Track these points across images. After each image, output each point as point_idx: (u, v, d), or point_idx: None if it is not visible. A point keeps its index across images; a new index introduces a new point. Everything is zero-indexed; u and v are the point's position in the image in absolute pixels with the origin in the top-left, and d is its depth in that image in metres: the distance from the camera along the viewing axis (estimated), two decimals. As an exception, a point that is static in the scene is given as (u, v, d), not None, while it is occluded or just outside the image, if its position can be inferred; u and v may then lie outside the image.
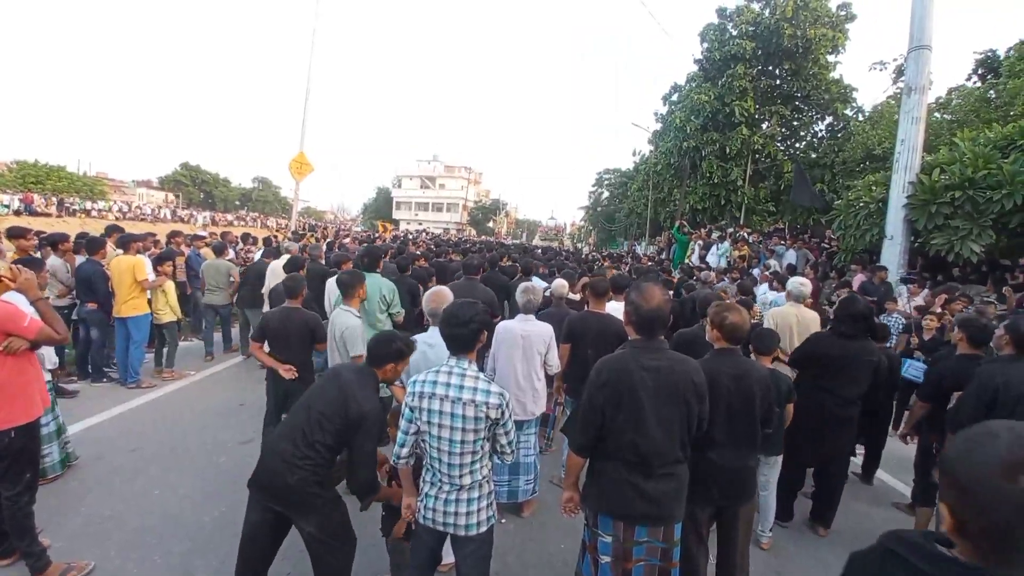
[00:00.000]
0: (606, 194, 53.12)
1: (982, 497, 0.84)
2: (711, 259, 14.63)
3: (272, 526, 2.28)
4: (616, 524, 2.10)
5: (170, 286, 6.44)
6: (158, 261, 6.17)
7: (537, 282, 7.41)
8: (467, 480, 2.02)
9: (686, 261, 15.41)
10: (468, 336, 2.06)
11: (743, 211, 20.06)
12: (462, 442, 1.98)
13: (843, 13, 20.13)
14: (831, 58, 20.27)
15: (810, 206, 16.73)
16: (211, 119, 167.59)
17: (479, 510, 2.05)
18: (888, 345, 5.39)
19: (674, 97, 25.29)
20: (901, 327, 7.07)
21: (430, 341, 2.79)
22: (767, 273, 11.00)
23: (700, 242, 15.69)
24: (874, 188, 9.94)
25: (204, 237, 8.37)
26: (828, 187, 17.71)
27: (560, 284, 5.11)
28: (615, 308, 4.30)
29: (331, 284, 5.83)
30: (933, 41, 9.27)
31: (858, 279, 8.98)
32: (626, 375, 2.04)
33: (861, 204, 9.82)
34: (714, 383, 2.30)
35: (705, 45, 21.69)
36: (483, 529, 2.06)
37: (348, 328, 3.40)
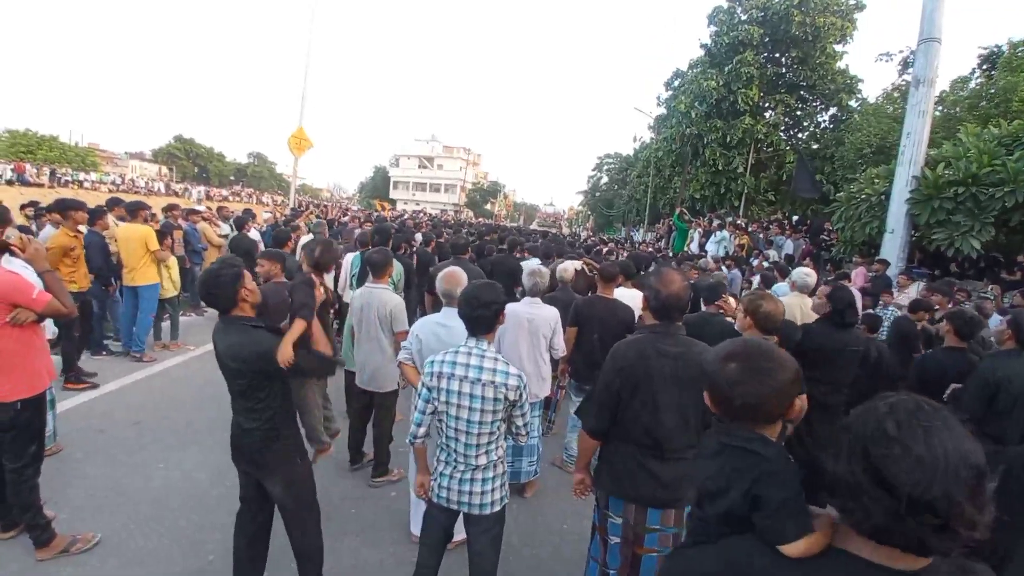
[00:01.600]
0: (605, 179, 52.92)
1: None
2: (711, 247, 14.62)
3: (256, 488, 2.37)
4: (627, 506, 2.12)
5: (173, 261, 6.42)
6: (158, 236, 6.10)
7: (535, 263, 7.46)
8: (482, 460, 2.03)
9: (685, 249, 15.44)
10: (489, 318, 2.05)
11: (743, 200, 20.02)
12: (480, 423, 1.99)
13: (853, 2, 19.90)
14: (838, 48, 20.11)
15: (810, 197, 16.74)
16: (206, 92, 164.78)
17: (493, 490, 2.06)
18: (881, 336, 5.44)
19: (676, 83, 25.06)
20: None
21: (444, 322, 2.78)
22: (762, 263, 11.06)
23: (700, 230, 15.67)
24: (876, 181, 9.94)
25: (200, 211, 8.26)
26: (827, 179, 17.69)
27: (566, 267, 5.11)
28: (622, 294, 4.31)
29: (346, 261, 5.83)
30: (943, 34, 9.18)
31: (860, 272, 9.02)
32: (643, 360, 2.04)
33: (863, 196, 9.81)
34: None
35: (713, 29, 21.42)
36: (497, 508, 2.08)
37: (396, 306, 3.40)
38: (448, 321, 2.79)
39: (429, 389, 2.05)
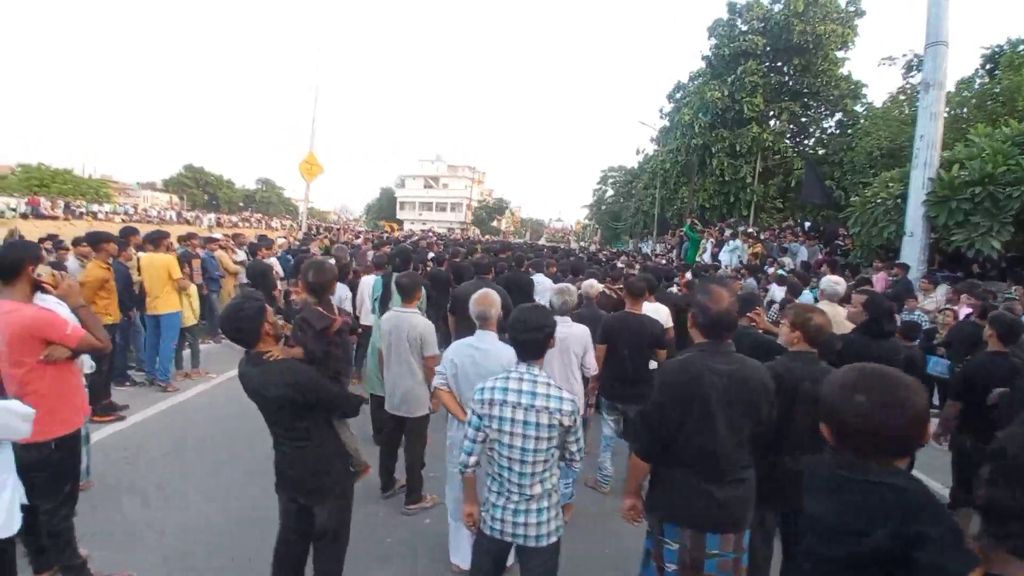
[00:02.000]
0: (610, 192, 53.08)
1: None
2: (724, 257, 14.54)
3: (297, 517, 2.37)
4: (684, 531, 2.04)
5: (193, 289, 6.49)
6: (180, 262, 6.16)
7: (543, 280, 7.40)
8: (537, 489, 1.97)
9: (698, 259, 15.35)
10: (540, 341, 2.01)
11: (752, 209, 19.97)
12: (535, 450, 1.93)
13: (852, 9, 20.04)
14: (840, 54, 20.20)
15: (821, 204, 16.64)
16: (213, 121, 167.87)
17: (549, 520, 1.99)
18: (915, 343, 5.33)
19: (678, 95, 25.24)
20: (926, 325, 7.00)
21: (478, 345, 2.73)
22: (777, 271, 10.95)
23: (712, 240, 15.59)
24: (891, 184, 9.86)
25: (218, 239, 8.33)
26: (837, 184, 17.62)
27: (591, 284, 5.09)
28: (646, 308, 4.26)
29: (365, 284, 5.83)
30: (949, 37, 9.18)
31: (881, 276, 8.90)
32: (696, 380, 1.98)
33: (879, 200, 9.72)
34: (794, 387, 2.26)
35: (713, 41, 21.62)
36: (553, 539, 2.01)
37: (425, 329, 3.37)
38: (483, 344, 2.74)
39: (480, 417, 2.01)
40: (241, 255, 8.85)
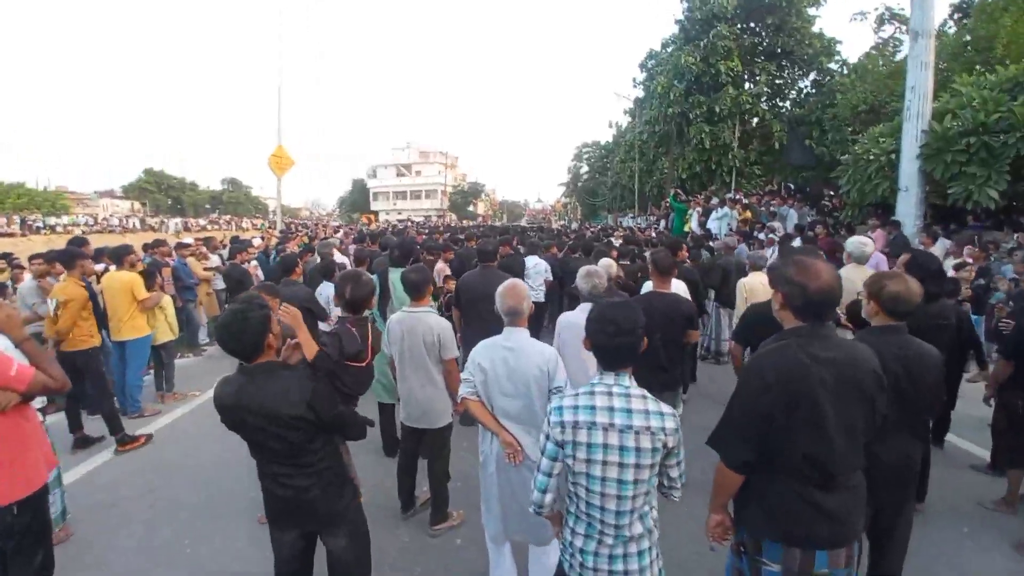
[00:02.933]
0: (586, 168, 52.66)
1: None
2: (712, 225, 14.34)
3: (302, 555, 2.19)
4: (789, 551, 1.72)
5: (168, 302, 5.94)
6: (146, 277, 5.59)
7: (536, 263, 7.03)
8: (637, 528, 1.61)
9: (686, 229, 15.14)
10: (633, 346, 1.65)
11: (733, 175, 19.79)
12: (634, 482, 1.57)
13: (821, -36, 19.75)
14: (811, 11, 19.94)
15: (802, 164, 16.55)
16: (171, 122, 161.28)
17: (651, 562, 1.64)
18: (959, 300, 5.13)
19: (651, 63, 24.78)
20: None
21: (509, 344, 2.36)
22: (770, 236, 10.76)
23: (699, 209, 15.37)
24: (882, 140, 9.67)
25: (189, 245, 7.73)
26: (817, 143, 17.53)
27: (607, 264, 4.70)
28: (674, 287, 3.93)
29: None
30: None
31: (879, 234, 8.73)
32: (798, 373, 1.63)
33: (871, 157, 9.54)
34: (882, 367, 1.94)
35: (686, 5, 21.16)
36: (659, 586, 1.66)
37: (444, 330, 2.98)
38: (514, 342, 2.37)
39: (560, 444, 1.63)
40: (214, 260, 8.27)
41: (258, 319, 1.93)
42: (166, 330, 5.65)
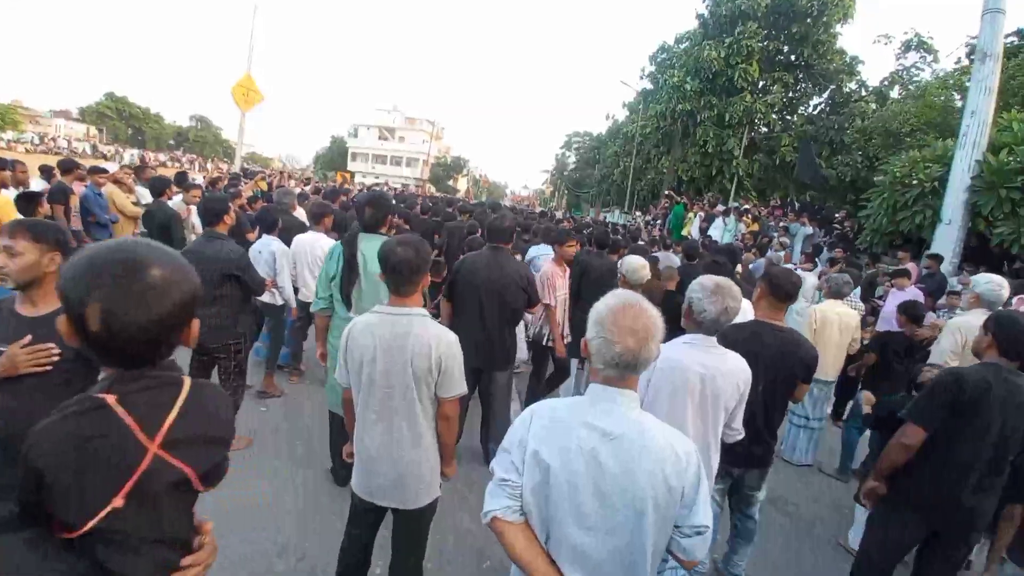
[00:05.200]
0: (573, 158, 51.35)
1: None
2: (714, 233, 13.42)
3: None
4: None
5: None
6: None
7: (543, 253, 5.83)
8: None
9: (684, 233, 14.18)
10: None
11: (735, 183, 18.95)
12: None
13: (853, -22, 18.91)
14: (838, 27, 19.13)
15: (813, 182, 15.79)
16: (143, 47, 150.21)
17: None
18: None
19: (661, 56, 23.62)
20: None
21: (607, 426, 1.14)
22: (787, 252, 9.86)
23: (701, 214, 14.40)
24: (929, 166, 8.76)
25: (106, 171, 6.13)
26: (827, 163, 16.83)
27: (639, 263, 3.58)
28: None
29: (304, 244, 4.00)
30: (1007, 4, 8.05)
31: (911, 268, 7.88)
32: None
33: (914, 182, 8.65)
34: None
35: (708, 2, 20.02)
36: None
37: (448, 349, 1.77)
38: (615, 421, 1.16)
39: None
40: (145, 194, 6.66)
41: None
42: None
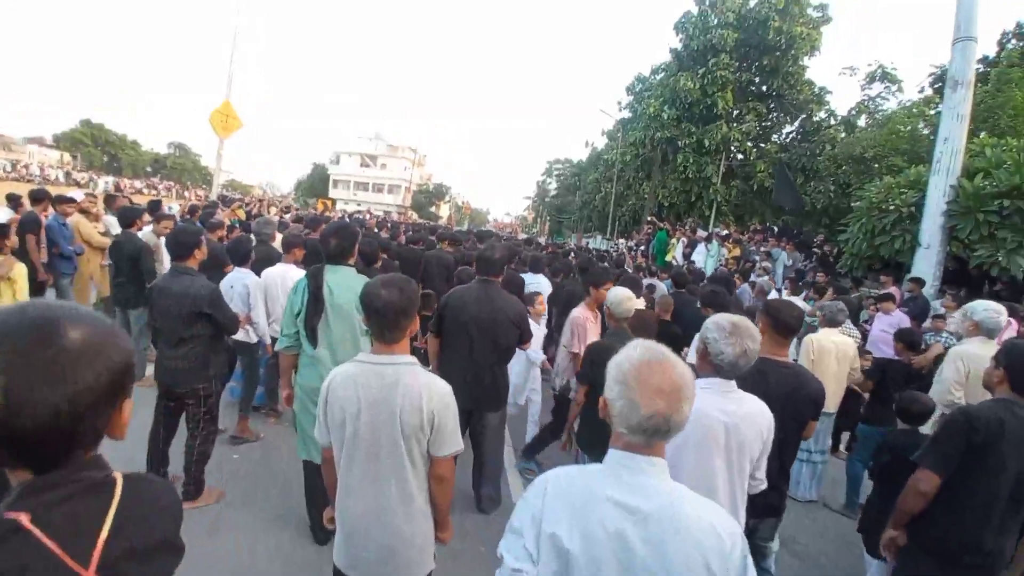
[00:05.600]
0: (554, 184, 52.00)
1: None
2: (697, 258, 13.51)
3: None
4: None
5: (20, 271, 4.10)
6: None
7: (542, 283, 5.70)
8: None
9: (668, 259, 14.25)
10: None
11: (714, 209, 19.26)
12: None
13: (819, 15, 19.79)
14: (806, 60, 19.89)
15: (791, 207, 16.12)
16: (120, 75, 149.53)
17: None
18: None
19: (639, 87, 24.23)
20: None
21: (639, 504, 0.97)
22: (772, 278, 9.92)
23: (684, 240, 14.52)
24: (904, 191, 8.96)
25: (73, 200, 5.85)
26: (801, 189, 17.24)
27: (624, 295, 3.28)
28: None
29: (275, 277, 3.78)
30: (978, 32, 8.38)
31: (894, 292, 7.95)
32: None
33: (892, 207, 8.81)
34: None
35: (681, 36, 20.68)
36: None
37: (443, 403, 1.58)
38: (647, 496, 1.00)
39: None
40: (115, 225, 6.38)
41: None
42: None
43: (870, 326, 6.99)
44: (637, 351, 1.04)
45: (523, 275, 5.50)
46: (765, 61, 19.47)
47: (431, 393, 1.56)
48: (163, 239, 5.46)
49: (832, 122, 19.21)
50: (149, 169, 62.26)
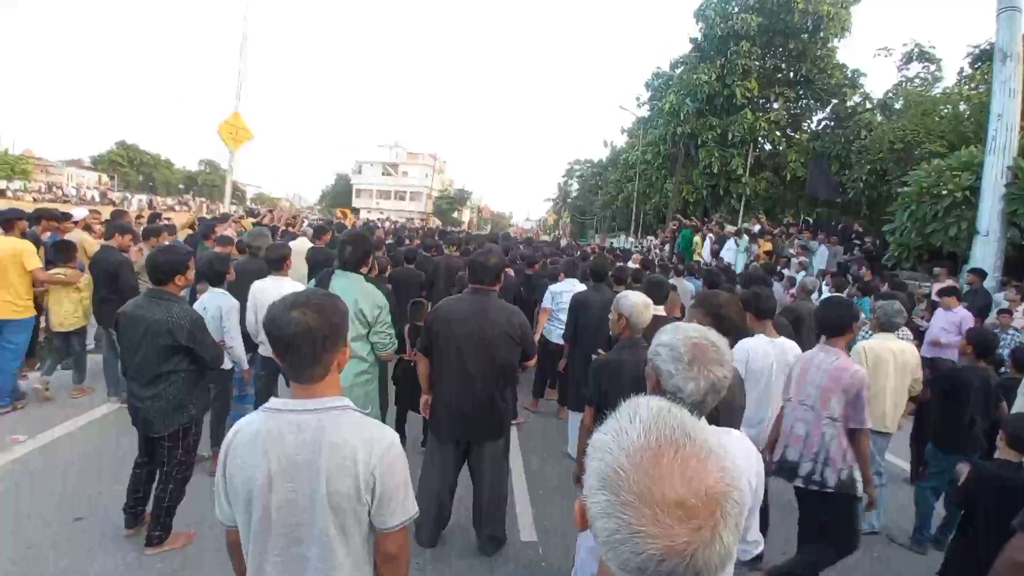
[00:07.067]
0: (576, 185, 51.30)
1: None
2: (727, 255, 12.83)
3: None
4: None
5: (87, 281, 4.42)
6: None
7: (564, 289, 5.22)
8: None
9: (696, 257, 13.60)
10: None
11: (743, 203, 18.44)
12: None
13: (849, -5, 18.79)
14: (835, 42, 18.92)
15: (828, 198, 15.25)
16: (154, 96, 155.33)
17: None
18: None
19: (657, 83, 23.52)
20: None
21: None
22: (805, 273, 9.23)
23: (711, 236, 13.84)
24: (956, 174, 8.18)
25: (70, 216, 5.72)
26: (839, 178, 16.32)
27: (642, 302, 2.76)
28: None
29: (264, 291, 3.47)
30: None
31: (948, 286, 7.20)
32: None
33: (944, 192, 8.05)
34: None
35: (701, 25, 19.95)
36: None
37: (386, 448, 1.20)
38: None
39: None
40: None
41: None
42: (81, 316, 4.47)
43: (926, 323, 6.30)
44: (632, 424, 0.60)
45: (557, 283, 4.95)
46: (791, 45, 18.57)
47: (371, 446, 1.16)
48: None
49: (868, 106, 18.16)
50: (182, 186, 64.23)
